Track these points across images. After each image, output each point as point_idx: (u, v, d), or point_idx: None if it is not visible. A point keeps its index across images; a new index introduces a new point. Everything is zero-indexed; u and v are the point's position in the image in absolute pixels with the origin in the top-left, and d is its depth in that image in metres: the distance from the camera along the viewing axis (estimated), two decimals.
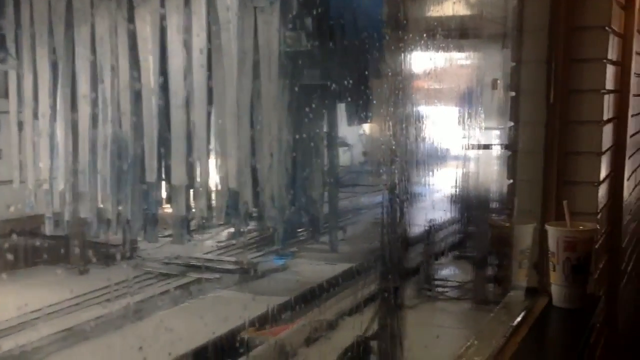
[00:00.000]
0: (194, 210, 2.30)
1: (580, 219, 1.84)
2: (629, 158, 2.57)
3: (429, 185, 2.02)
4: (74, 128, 1.95)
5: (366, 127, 1.91)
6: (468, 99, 2.03)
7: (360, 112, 2.01)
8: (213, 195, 2.24)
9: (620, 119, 2.23)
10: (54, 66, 1.89)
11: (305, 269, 2.96)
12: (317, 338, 1.85)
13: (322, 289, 2.15)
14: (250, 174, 2.14)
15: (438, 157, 1.99)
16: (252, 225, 2.64)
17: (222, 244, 3.18)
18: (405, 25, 1.58)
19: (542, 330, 1.84)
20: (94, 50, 1.81)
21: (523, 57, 1.88)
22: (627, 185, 2.57)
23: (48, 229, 2.37)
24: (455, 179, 2.11)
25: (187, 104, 1.87)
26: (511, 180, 2.01)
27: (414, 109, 1.75)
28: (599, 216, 1.99)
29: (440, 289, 2.25)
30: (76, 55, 1.84)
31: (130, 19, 1.75)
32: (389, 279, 1.80)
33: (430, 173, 1.99)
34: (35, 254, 2.30)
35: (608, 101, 1.99)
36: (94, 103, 1.90)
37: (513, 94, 1.91)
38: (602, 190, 2.03)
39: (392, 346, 1.69)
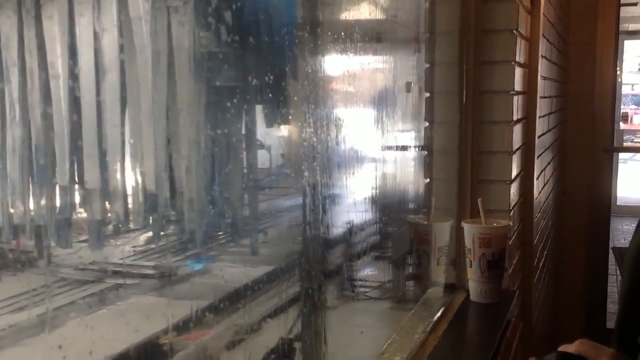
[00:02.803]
0: (109, 214, 2.24)
1: (494, 216, 1.88)
2: (538, 157, 2.65)
3: (347, 187, 2.03)
4: None
5: (284, 129, 1.90)
6: (384, 101, 2.05)
7: (277, 113, 1.99)
8: (130, 199, 2.19)
9: (529, 120, 2.29)
10: None
11: (226, 272, 2.93)
12: (239, 341, 1.83)
13: (243, 292, 2.13)
14: (168, 176, 2.10)
15: (356, 159, 1.99)
16: (171, 228, 2.60)
17: (140, 249, 3.12)
18: (320, 27, 1.58)
19: (461, 325, 1.87)
20: None
21: (436, 59, 1.91)
22: (537, 184, 2.64)
23: None
24: (373, 180, 2.12)
25: (100, 105, 1.81)
26: (428, 180, 2.04)
27: (330, 110, 1.75)
28: (511, 213, 2.03)
29: (361, 289, 2.26)
30: None
31: (38, 18, 1.68)
32: (309, 281, 1.79)
33: (349, 175, 2.00)
34: None
35: (517, 102, 2.03)
36: (1, 104, 1.83)
37: (427, 94, 1.94)
38: (514, 188, 2.07)
39: (315, 346, 1.68)
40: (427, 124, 1.97)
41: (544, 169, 3.20)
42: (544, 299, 3.51)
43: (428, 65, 1.94)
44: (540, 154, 2.90)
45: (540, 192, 2.97)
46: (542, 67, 2.70)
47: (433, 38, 1.93)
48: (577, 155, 5.04)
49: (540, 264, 3.17)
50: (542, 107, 2.81)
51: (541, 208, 3.12)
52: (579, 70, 4.96)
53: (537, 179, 2.72)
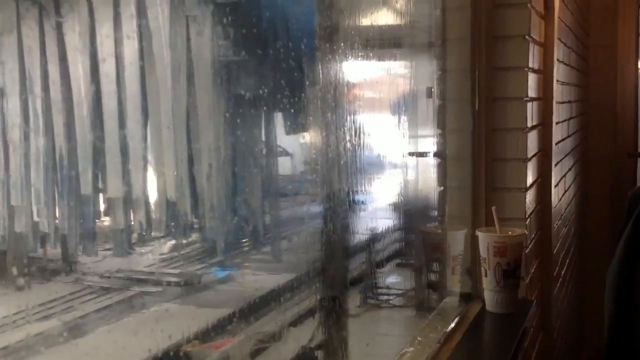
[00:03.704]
0: (132, 222, 2.27)
1: (509, 224, 1.86)
2: (557, 164, 2.62)
3: (368, 193, 2.03)
4: (4, 140, 1.90)
5: (307, 136, 1.91)
6: (402, 107, 2.05)
7: (297, 120, 2.00)
8: (152, 207, 2.22)
9: (545, 126, 2.26)
10: None
11: (249, 280, 2.95)
12: (261, 350, 1.84)
13: (266, 300, 2.14)
14: (189, 185, 2.12)
15: (376, 165, 2.00)
16: (193, 236, 2.62)
17: (164, 257, 3.14)
18: (338, 34, 1.59)
19: (476, 336, 1.86)
20: (22, 61, 1.77)
21: (448, 66, 1.90)
22: (556, 191, 2.61)
23: None
24: (394, 187, 2.12)
25: (121, 114, 1.84)
26: (442, 187, 2.03)
27: (350, 117, 1.76)
28: (527, 221, 2.01)
29: (384, 297, 2.25)
30: (5, 67, 1.80)
31: (59, 29, 1.71)
32: (332, 288, 1.79)
33: (369, 181, 2.00)
34: None
35: (531, 108, 2.02)
36: (25, 115, 1.86)
37: (440, 101, 1.93)
38: (530, 196, 2.05)
39: (337, 355, 1.68)
40: (439, 131, 1.96)
41: (564, 175, 3.17)
42: (567, 308, 3.47)
43: (440, 72, 1.93)
44: (560, 161, 2.87)
45: (560, 200, 2.94)
46: (559, 72, 2.68)
47: (445, 44, 1.92)
48: (600, 161, 4.98)
49: (562, 273, 3.13)
50: (560, 112, 2.78)
51: (562, 216, 3.09)
52: (600, 74, 4.91)
53: (556, 186, 2.69)
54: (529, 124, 2.03)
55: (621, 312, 2.44)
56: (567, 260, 3.49)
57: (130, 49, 1.76)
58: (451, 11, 1.94)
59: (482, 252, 1.85)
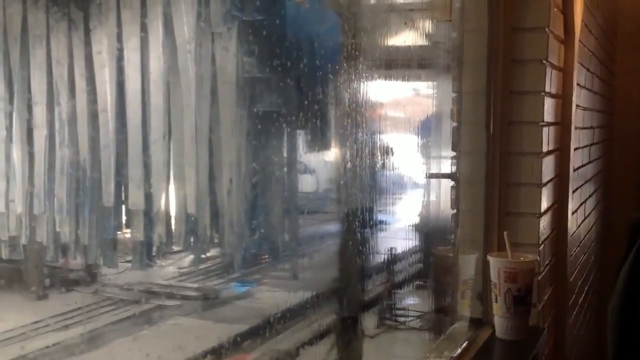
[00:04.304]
0: (153, 235, 2.29)
1: (522, 250, 1.85)
2: (575, 190, 2.58)
3: (387, 213, 2.03)
4: (30, 150, 1.94)
5: (329, 154, 1.92)
6: (424, 128, 2.05)
7: (319, 138, 2.02)
8: (172, 221, 2.23)
9: (562, 151, 2.24)
10: (10, 88, 1.88)
11: (267, 296, 2.95)
12: None
13: (283, 317, 2.14)
14: (209, 200, 2.13)
15: (396, 185, 2.00)
16: (213, 251, 2.63)
17: (183, 270, 3.16)
18: (361, 53, 1.60)
19: None
20: (50, 73, 1.80)
21: (464, 88, 1.90)
22: (575, 218, 2.58)
23: (4, 252, 2.34)
24: (412, 207, 2.12)
25: (145, 127, 1.87)
26: (455, 210, 2.02)
27: (371, 136, 1.76)
28: (541, 247, 1.99)
29: (401, 319, 2.24)
30: (32, 77, 1.83)
31: (87, 42, 1.75)
32: (348, 308, 1.79)
33: (389, 201, 2.00)
34: None
35: (548, 133, 2.00)
36: (51, 125, 1.89)
37: (455, 124, 1.93)
38: (545, 222, 2.03)
39: None
40: (453, 153, 1.95)
41: (584, 201, 3.15)
42: (584, 337, 3.42)
43: (455, 94, 1.92)
44: (579, 187, 2.84)
45: (578, 226, 2.90)
46: (580, 97, 2.67)
47: (461, 66, 1.92)
48: (623, 187, 4.93)
49: (580, 300, 3.09)
50: (580, 138, 2.76)
51: (580, 242, 3.05)
52: (626, 100, 4.88)
53: (575, 212, 2.66)
54: (545, 149, 2.02)
55: (626, 355, 2.35)
56: (586, 288, 3.45)
57: (156, 63, 1.78)
58: (468, 33, 1.94)
59: (493, 277, 1.83)
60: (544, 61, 1.95)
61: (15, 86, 1.87)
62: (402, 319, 2.22)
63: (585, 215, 3.28)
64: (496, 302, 1.85)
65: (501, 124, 1.93)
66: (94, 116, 1.84)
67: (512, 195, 2.00)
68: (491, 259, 1.83)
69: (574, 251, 2.70)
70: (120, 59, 1.77)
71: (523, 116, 1.96)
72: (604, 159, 4.32)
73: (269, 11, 1.83)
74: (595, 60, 3.40)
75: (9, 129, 2.00)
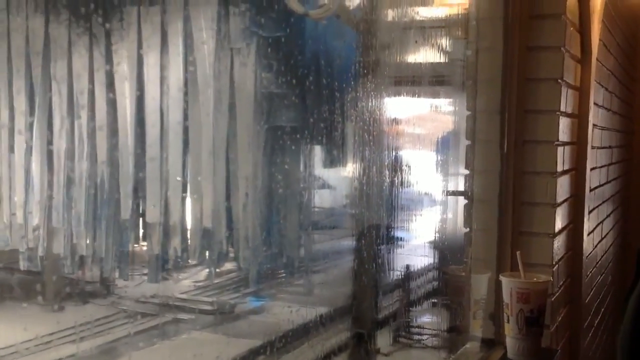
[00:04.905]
0: (169, 249, 2.30)
1: (535, 270, 1.83)
2: (592, 210, 2.55)
3: (403, 230, 2.02)
4: (49, 163, 1.96)
5: (348, 169, 1.92)
6: (441, 145, 2.05)
7: (336, 154, 2.02)
8: (188, 234, 2.24)
9: (578, 171, 2.22)
10: (31, 101, 1.91)
11: (282, 312, 2.95)
12: None
13: (296, 333, 2.14)
14: (226, 214, 2.14)
15: (412, 202, 1.99)
16: (228, 265, 2.64)
17: (199, 284, 3.17)
18: (379, 70, 1.61)
19: None
20: (71, 86, 1.83)
21: (478, 106, 1.89)
22: (591, 238, 2.54)
23: (22, 264, 2.36)
24: (428, 224, 2.11)
25: (163, 141, 1.88)
26: (467, 229, 2.00)
27: (388, 152, 1.76)
28: (555, 268, 1.97)
29: (416, 337, 2.23)
30: (53, 91, 1.86)
31: (108, 56, 1.77)
32: (362, 325, 1.79)
33: (405, 218, 2.00)
34: (9, 289, 2.29)
35: (563, 153, 1.99)
36: (70, 139, 1.91)
37: (469, 141, 1.92)
38: (559, 242, 2.01)
39: None
40: (467, 171, 1.94)
41: (602, 222, 3.12)
42: (601, 359, 3.39)
43: (470, 112, 1.91)
44: (596, 207, 2.82)
45: (595, 247, 2.87)
46: (598, 117, 2.65)
47: (475, 85, 1.91)
48: None
49: (596, 322, 3.06)
50: (597, 158, 2.74)
51: (597, 263, 3.02)
52: None
53: (592, 232, 2.64)
54: (560, 169, 2.00)
55: None
56: (602, 309, 3.42)
57: (176, 78, 1.80)
58: (483, 51, 1.93)
59: (505, 297, 1.82)
60: (559, 80, 1.94)
61: (36, 99, 1.89)
62: (416, 337, 2.21)
63: (603, 236, 3.25)
64: (508, 322, 1.83)
65: (515, 143, 1.92)
66: (113, 130, 1.86)
67: (526, 215, 1.98)
68: (503, 279, 1.82)
69: (590, 272, 2.68)
70: (140, 73, 1.79)
71: (537, 135, 1.95)
72: (623, 179, 4.30)
73: (287, 27, 1.85)
74: (614, 79, 3.39)
75: (29, 141, 2.03)
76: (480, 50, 1.96)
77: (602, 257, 3.30)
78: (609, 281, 3.83)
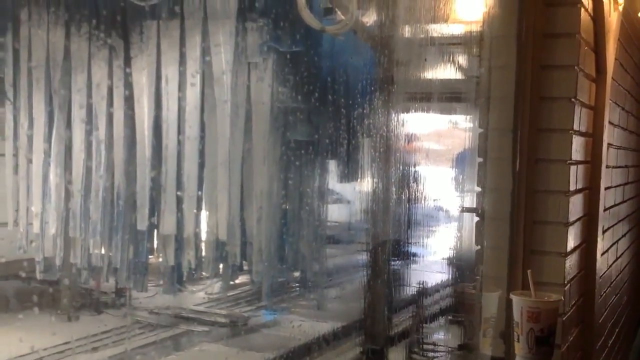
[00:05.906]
0: (183, 261, 2.31)
1: (547, 289, 1.81)
2: (606, 230, 2.53)
3: (418, 246, 2.02)
4: (67, 173, 1.98)
5: (364, 184, 1.93)
6: (456, 162, 2.06)
7: (351, 169, 2.03)
8: (202, 246, 2.26)
9: (592, 190, 2.21)
10: (50, 111, 1.93)
11: (294, 326, 2.95)
12: None
13: (309, 348, 2.14)
14: (240, 227, 2.15)
15: (427, 218, 1.99)
16: (242, 278, 2.65)
17: (213, 297, 3.18)
18: (395, 86, 1.62)
19: None
20: (90, 97, 1.85)
21: (490, 124, 1.89)
22: (605, 257, 2.52)
23: (39, 273, 2.38)
24: (443, 241, 2.11)
25: (179, 155, 1.90)
26: (479, 246, 1.99)
27: (404, 168, 1.77)
28: (567, 287, 1.95)
29: (430, 354, 2.22)
30: (72, 102, 1.88)
31: (127, 69, 1.79)
32: (374, 341, 1.79)
33: (420, 234, 2.00)
34: (26, 298, 2.30)
35: (576, 172, 1.98)
36: (88, 149, 1.94)
37: (481, 159, 1.91)
38: (571, 261, 2.00)
39: None
40: (479, 189, 1.94)
41: (617, 241, 3.09)
42: None
43: (482, 130, 1.91)
44: (611, 226, 2.79)
45: (609, 266, 2.85)
46: (614, 136, 2.64)
47: (488, 103, 1.91)
48: None
49: (610, 342, 3.03)
50: (612, 177, 2.72)
51: (611, 283, 2.99)
52: None
53: (606, 252, 2.62)
54: (573, 188, 1.99)
55: None
56: (617, 330, 3.39)
57: (193, 92, 1.82)
58: (496, 69, 1.93)
59: (516, 316, 1.80)
60: (572, 99, 1.93)
61: (55, 111, 1.92)
62: (428, 354, 2.20)
63: (618, 255, 3.23)
64: (518, 341, 1.82)
65: (528, 161, 1.92)
66: (130, 141, 1.88)
67: (538, 234, 1.97)
68: (514, 298, 1.81)
69: (604, 292, 2.66)
70: (158, 86, 1.81)
71: (550, 154, 1.94)
72: (639, 199, 4.27)
73: (304, 43, 1.86)
74: (630, 99, 3.38)
75: (47, 152, 2.05)
76: (494, 68, 1.95)
77: (617, 277, 3.27)
78: (624, 301, 3.80)
